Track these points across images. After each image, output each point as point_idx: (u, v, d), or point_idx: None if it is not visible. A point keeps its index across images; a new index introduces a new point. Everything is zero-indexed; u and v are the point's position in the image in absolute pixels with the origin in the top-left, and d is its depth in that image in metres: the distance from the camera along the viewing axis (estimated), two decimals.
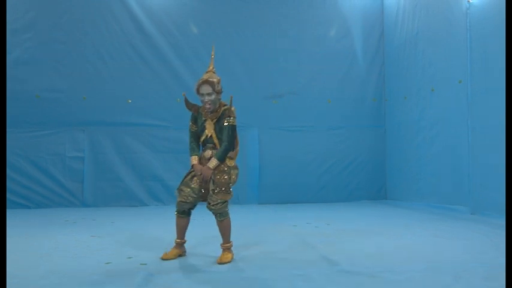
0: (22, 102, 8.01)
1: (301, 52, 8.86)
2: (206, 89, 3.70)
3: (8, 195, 7.41)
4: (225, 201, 3.72)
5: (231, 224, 3.84)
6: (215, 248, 3.93)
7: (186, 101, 3.93)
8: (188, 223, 3.91)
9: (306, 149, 8.82)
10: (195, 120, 3.91)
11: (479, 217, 6.06)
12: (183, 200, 3.79)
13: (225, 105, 3.84)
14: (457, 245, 4.30)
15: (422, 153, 7.78)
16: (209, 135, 3.82)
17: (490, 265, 3.42)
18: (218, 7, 8.72)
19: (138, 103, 8.40)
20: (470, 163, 6.48)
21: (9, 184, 7.58)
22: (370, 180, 9.02)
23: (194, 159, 3.83)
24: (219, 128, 3.79)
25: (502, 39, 5.00)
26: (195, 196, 3.81)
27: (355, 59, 9.06)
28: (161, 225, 5.50)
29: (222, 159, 3.74)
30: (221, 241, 3.82)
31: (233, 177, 3.82)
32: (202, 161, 3.83)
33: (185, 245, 3.95)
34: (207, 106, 3.74)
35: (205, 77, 3.76)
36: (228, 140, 3.74)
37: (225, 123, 3.75)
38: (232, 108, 3.80)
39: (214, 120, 3.80)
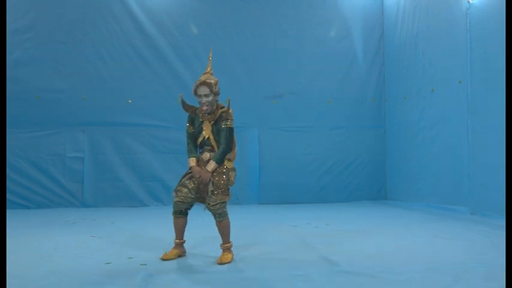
0: (22, 103, 8.00)
1: (301, 52, 8.86)
2: (204, 90, 3.72)
3: (8, 196, 7.40)
4: (224, 202, 3.74)
5: (231, 224, 3.85)
6: (215, 249, 3.93)
7: (183, 102, 3.95)
8: (186, 223, 3.92)
9: (306, 149, 8.82)
10: (192, 121, 3.92)
11: (479, 217, 6.06)
12: (180, 200, 3.80)
13: (222, 107, 3.86)
14: (457, 245, 4.30)
15: (422, 153, 7.78)
16: (206, 137, 3.83)
17: (490, 265, 3.42)
18: (218, 7, 8.72)
19: (138, 103, 8.40)
20: (470, 163, 6.48)
21: (9, 184, 7.58)
22: (370, 180, 9.02)
23: (192, 162, 3.85)
24: (216, 130, 3.81)
25: (502, 39, 5.00)
26: (192, 197, 3.83)
27: (355, 59, 9.06)
28: (161, 226, 5.50)
29: (220, 162, 3.77)
30: (221, 241, 3.82)
31: (231, 178, 3.84)
32: (200, 163, 3.85)
33: (185, 245, 3.95)
34: (204, 107, 3.75)
35: (203, 78, 3.78)
36: (226, 143, 3.77)
37: (223, 126, 3.77)
38: (230, 111, 3.81)
39: (212, 122, 3.82)
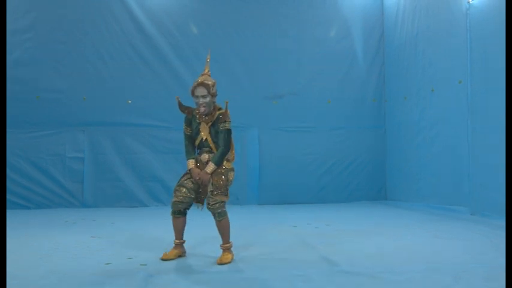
0: (22, 103, 7.99)
1: (301, 52, 8.86)
2: (201, 91, 3.72)
3: (8, 196, 7.40)
4: (223, 202, 3.75)
5: (231, 224, 3.85)
6: (215, 249, 3.93)
7: (179, 103, 3.94)
8: (185, 223, 3.92)
9: (306, 149, 8.82)
10: (189, 122, 3.92)
11: (479, 218, 6.06)
12: (179, 200, 3.81)
13: (219, 108, 3.86)
14: (457, 245, 4.30)
15: (422, 153, 7.77)
16: (204, 138, 3.84)
17: (490, 266, 3.42)
18: (218, 7, 8.72)
19: (138, 103, 8.40)
20: (470, 163, 6.48)
21: (9, 185, 7.58)
22: (370, 180, 9.02)
23: (191, 163, 3.85)
24: (214, 132, 3.82)
25: (502, 39, 5.00)
26: (192, 197, 3.85)
27: (355, 59, 9.06)
28: (161, 226, 5.49)
29: (219, 164, 3.78)
30: (221, 242, 3.82)
31: (230, 178, 3.85)
32: (199, 164, 3.85)
33: (185, 245, 3.96)
34: (202, 109, 3.76)
35: (200, 79, 3.78)
36: (225, 144, 3.78)
37: (221, 128, 3.78)
38: (228, 112, 3.81)
39: (209, 124, 3.82)
